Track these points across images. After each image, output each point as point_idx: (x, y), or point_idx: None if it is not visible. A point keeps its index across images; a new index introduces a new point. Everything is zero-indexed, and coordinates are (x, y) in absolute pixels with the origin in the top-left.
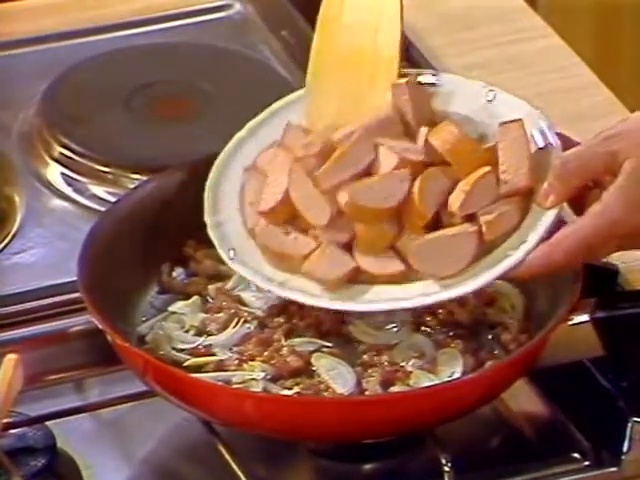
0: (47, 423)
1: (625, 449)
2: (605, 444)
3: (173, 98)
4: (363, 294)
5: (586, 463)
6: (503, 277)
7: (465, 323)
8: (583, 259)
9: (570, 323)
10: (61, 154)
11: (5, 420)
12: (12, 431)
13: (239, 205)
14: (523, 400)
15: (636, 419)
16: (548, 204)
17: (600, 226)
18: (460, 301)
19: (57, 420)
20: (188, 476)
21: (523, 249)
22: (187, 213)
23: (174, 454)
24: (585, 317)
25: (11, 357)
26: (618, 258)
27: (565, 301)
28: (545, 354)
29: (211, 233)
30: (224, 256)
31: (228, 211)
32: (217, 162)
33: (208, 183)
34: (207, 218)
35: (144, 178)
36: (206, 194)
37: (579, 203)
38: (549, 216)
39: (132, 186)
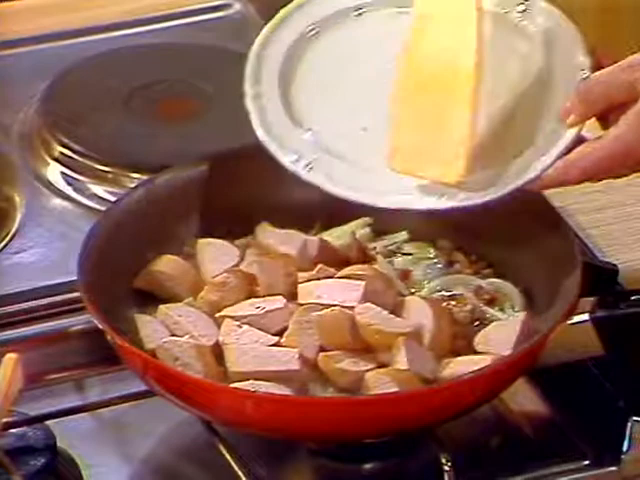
0: (47, 422)
1: (625, 448)
2: (605, 443)
3: (173, 98)
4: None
5: (586, 462)
6: (522, 187)
7: (465, 322)
8: (597, 178)
9: (570, 322)
10: (61, 153)
11: (5, 419)
12: (12, 430)
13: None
14: (523, 400)
15: (636, 418)
16: (569, 123)
17: (615, 150)
18: (459, 300)
19: (57, 419)
20: (188, 476)
21: (542, 163)
22: (187, 212)
23: (174, 454)
24: (585, 317)
25: (11, 356)
26: (618, 258)
27: (565, 301)
28: (545, 353)
29: (250, 104)
30: (258, 132)
31: (268, 83)
32: (263, 31)
33: (253, 50)
34: (247, 87)
35: (144, 177)
36: (249, 62)
37: (605, 119)
38: (570, 133)
39: (132, 185)
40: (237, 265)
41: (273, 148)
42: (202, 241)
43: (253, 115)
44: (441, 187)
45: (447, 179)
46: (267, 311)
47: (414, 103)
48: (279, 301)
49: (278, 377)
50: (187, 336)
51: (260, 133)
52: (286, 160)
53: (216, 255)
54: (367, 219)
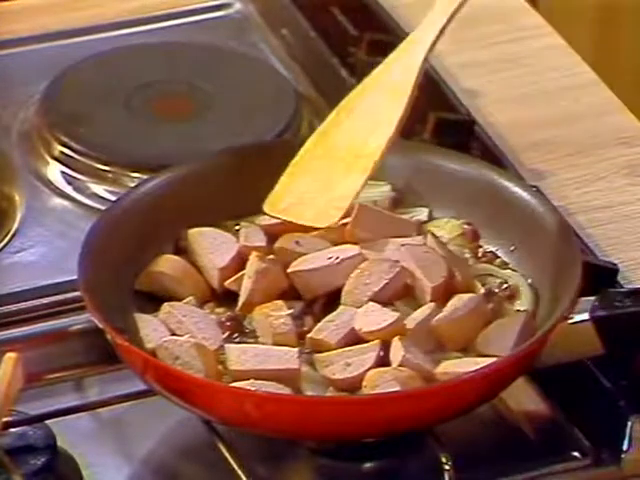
0: (47, 422)
1: (625, 448)
2: (605, 443)
3: (173, 97)
4: None
5: (586, 462)
6: None
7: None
8: None
9: (570, 322)
10: (61, 153)
11: (5, 419)
12: (12, 430)
13: None
14: (523, 399)
15: (636, 418)
16: None
17: None
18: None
19: (57, 419)
20: (188, 475)
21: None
22: (188, 211)
23: (174, 453)
24: (585, 316)
25: (11, 356)
26: (618, 257)
27: (564, 300)
28: (545, 353)
29: None
30: None
31: None
32: None
33: None
34: None
35: (144, 177)
36: None
37: None
38: None
39: (132, 185)
40: (239, 250)
41: None
42: (192, 231)
43: None
44: None
45: (319, 224)
46: (342, 259)
47: (311, 164)
48: (352, 250)
49: (277, 376)
50: (187, 335)
51: None
52: None
53: (214, 244)
54: None
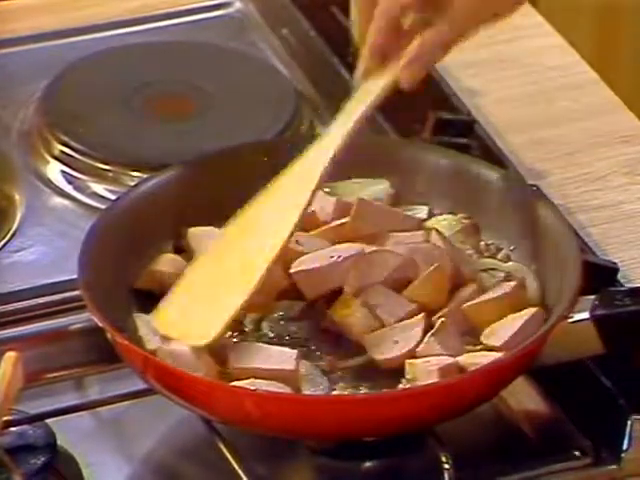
0: (47, 421)
1: (625, 447)
2: (605, 442)
3: (173, 96)
4: None
5: (586, 461)
6: None
7: None
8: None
9: (570, 321)
10: (61, 152)
11: (5, 418)
12: (12, 429)
13: None
14: (523, 398)
15: (636, 417)
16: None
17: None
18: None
19: (57, 418)
20: (188, 474)
21: None
22: (187, 210)
23: (174, 452)
24: (585, 315)
25: (11, 355)
26: (618, 256)
27: (565, 299)
28: (545, 352)
29: None
30: None
31: None
32: None
33: None
34: None
35: (144, 176)
36: None
37: None
38: None
39: (132, 184)
40: None
41: None
42: (192, 230)
43: None
44: None
45: (197, 342)
46: (345, 258)
47: (199, 279)
48: (354, 248)
49: (276, 376)
50: None
51: None
52: None
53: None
54: None
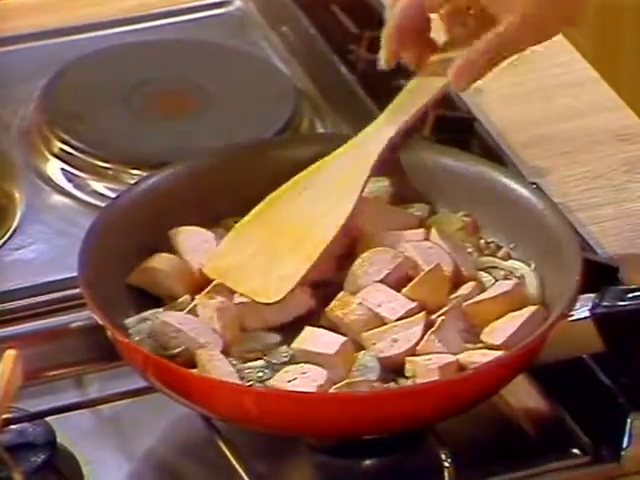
0: (47, 419)
1: (625, 445)
2: (605, 440)
3: (173, 95)
4: None
5: (586, 459)
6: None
7: None
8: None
9: (570, 319)
10: (61, 150)
11: (5, 416)
12: (12, 427)
13: None
14: (523, 396)
15: (636, 415)
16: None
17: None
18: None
19: (57, 416)
20: (188, 472)
21: None
22: (187, 208)
23: (174, 450)
24: (585, 313)
25: (11, 353)
26: (619, 254)
27: (565, 297)
28: (545, 350)
29: None
30: None
31: None
32: None
33: None
34: None
35: (144, 174)
36: None
37: None
38: None
39: (132, 182)
40: None
41: None
42: (173, 231)
43: None
44: None
45: (260, 299)
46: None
47: (259, 230)
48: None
49: (320, 360)
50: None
51: None
52: None
53: (196, 242)
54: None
